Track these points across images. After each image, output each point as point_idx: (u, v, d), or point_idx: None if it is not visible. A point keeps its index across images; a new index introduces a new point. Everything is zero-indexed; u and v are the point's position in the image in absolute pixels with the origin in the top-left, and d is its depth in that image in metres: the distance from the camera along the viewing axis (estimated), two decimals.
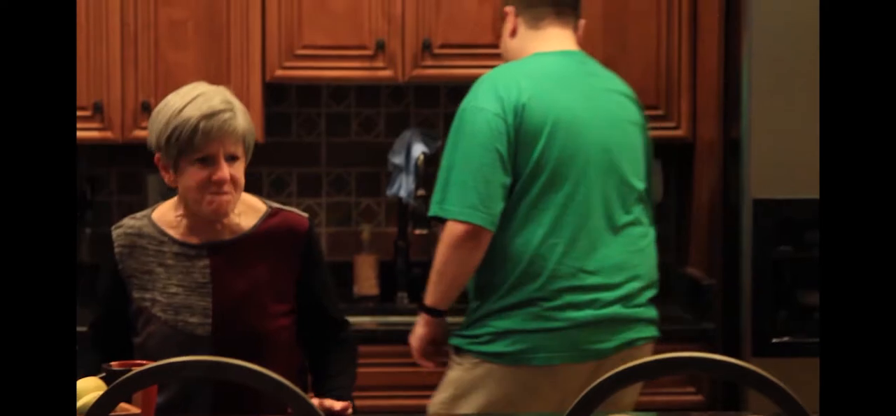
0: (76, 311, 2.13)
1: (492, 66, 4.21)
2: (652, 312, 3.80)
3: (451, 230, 3.62)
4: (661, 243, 5.03)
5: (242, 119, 3.20)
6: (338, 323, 3.42)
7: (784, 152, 4.24)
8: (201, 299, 3.24)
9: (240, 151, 3.20)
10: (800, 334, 4.25)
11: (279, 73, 4.68)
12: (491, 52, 4.62)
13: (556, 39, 3.84)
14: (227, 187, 3.18)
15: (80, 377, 2.84)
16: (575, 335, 3.64)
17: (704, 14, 4.64)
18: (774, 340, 4.29)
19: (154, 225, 3.30)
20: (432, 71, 4.68)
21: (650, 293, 3.80)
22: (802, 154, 4.17)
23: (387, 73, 4.67)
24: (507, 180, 3.63)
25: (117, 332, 3.30)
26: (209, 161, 3.17)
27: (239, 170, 3.21)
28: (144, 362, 2.87)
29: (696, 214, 4.78)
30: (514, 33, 3.88)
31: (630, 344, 3.72)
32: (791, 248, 4.28)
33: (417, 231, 4.93)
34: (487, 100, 3.66)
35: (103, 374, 2.86)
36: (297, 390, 1.61)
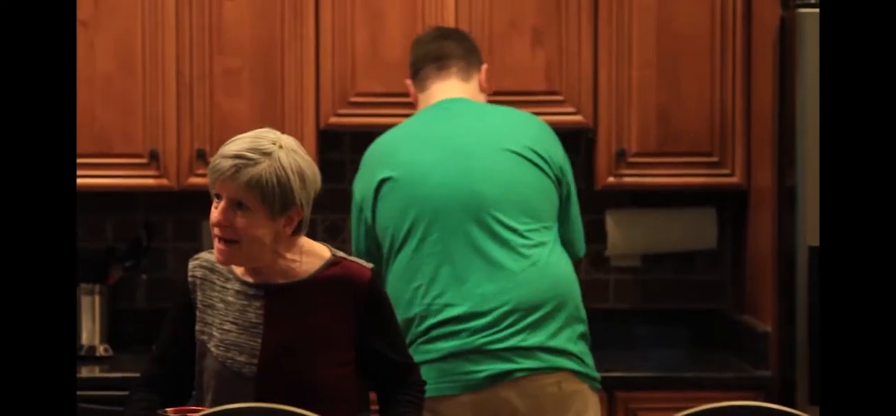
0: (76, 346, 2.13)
1: (544, 113, 4.23)
2: (544, 341, 3.73)
3: None
4: (717, 289, 5.03)
5: (265, 170, 3.14)
6: (404, 367, 3.39)
7: None
8: (251, 339, 3.25)
9: (251, 202, 3.14)
10: None
11: (333, 120, 4.70)
12: (544, 99, 4.63)
13: (437, 94, 3.99)
14: (227, 232, 3.16)
15: None
16: (445, 366, 3.71)
17: (758, 61, 4.62)
18: None
19: None
20: None
21: (535, 323, 3.73)
22: None
23: None
24: (378, 247, 3.88)
25: (180, 365, 3.31)
26: (219, 200, 3.18)
27: (247, 220, 3.15)
28: (199, 408, 2.88)
29: (751, 261, 4.75)
30: (416, 104, 4.06)
31: (506, 376, 3.70)
32: None
33: None
34: (355, 185, 3.98)
35: None
36: None
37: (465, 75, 4.01)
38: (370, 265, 3.33)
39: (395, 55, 4.66)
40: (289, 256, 3.27)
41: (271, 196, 3.15)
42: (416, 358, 3.68)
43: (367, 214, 3.88)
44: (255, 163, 3.13)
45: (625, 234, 4.95)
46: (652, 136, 4.69)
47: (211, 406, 3.18)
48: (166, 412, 2.90)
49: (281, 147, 3.18)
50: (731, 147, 4.68)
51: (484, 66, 4.08)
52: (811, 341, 4.26)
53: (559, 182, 3.90)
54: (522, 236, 3.77)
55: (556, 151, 3.92)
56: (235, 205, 3.15)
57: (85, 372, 4.56)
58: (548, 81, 4.67)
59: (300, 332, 3.25)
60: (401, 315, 3.74)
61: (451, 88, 3.98)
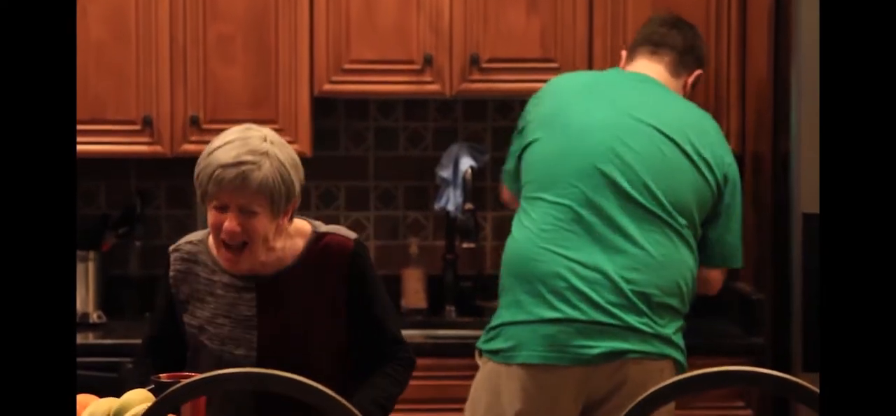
0: (75, 326, 2.13)
1: (539, 80, 4.22)
2: (658, 328, 3.73)
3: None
4: None
5: (268, 171, 3.09)
6: (392, 342, 3.33)
7: None
8: (246, 333, 3.24)
9: (258, 206, 3.11)
10: None
11: (327, 87, 4.69)
12: (538, 66, 4.62)
13: (639, 68, 4.01)
14: (239, 238, 3.12)
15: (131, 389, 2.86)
16: (558, 335, 3.68)
17: (754, 29, 4.62)
18: None
19: (209, 253, 3.28)
20: (480, 85, 4.68)
21: (654, 308, 3.72)
22: None
23: (434, 87, 4.68)
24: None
25: (171, 348, 3.31)
26: (224, 210, 3.12)
27: (259, 224, 3.12)
28: (193, 374, 2.88)
29: (746, 228, 4.75)
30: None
31: (620, 355, 3.68)
32: None
33: (465, 245, 4.93)
34: (528, 106, 4.01)
35: (151, 386, 2.87)
36: (345, 402, 1.61)
37: (675, 71, 4.03)
38: (353, 235, 3.29)
39: (390, 22, 4.65)
40: (277, 243, 3.23)
41: (278, 196, 3.12)
42: (522, 317, 3.70)
43: (529, 114, 3.96)
44: (259, 166, 3.09)
45: None
46: None
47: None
48: (160, 377, 2.90)
49: (271, 142, 3.14)
50: (726, 115, 4.67)
51: (697, 72, 4.08)
52: (805, 308, 4.27)
53: (718, 189, 3.89)
54: (668, 226, 3.77)
55: (724, 159, 3.92)
56: (244, 212, 3.11)
57: (79, 339, 4.56)
58: (542, 48, 4.66)
59: (294, 320, 3.24)
60: (508, 264, 3.78)
61: (653, 71, 4.00)
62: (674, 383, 1.62)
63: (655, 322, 3.72)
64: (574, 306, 3.66)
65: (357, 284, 3.27)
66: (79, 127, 4.53)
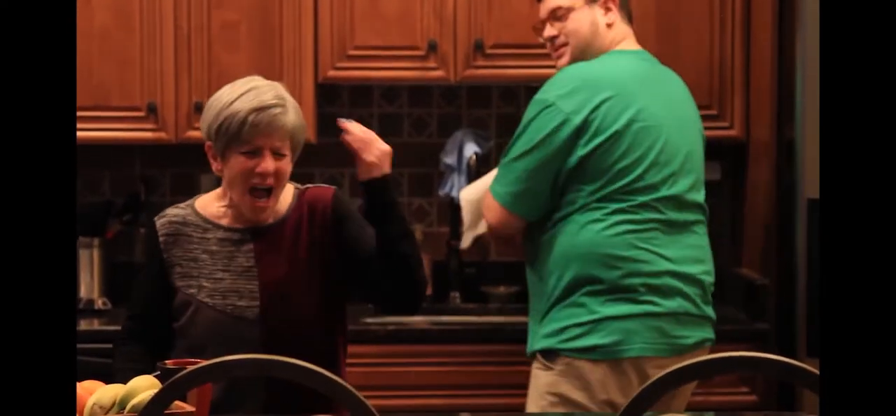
0: (76, 316, 2.12)
1: (544, 67, 4.21)
2: (713, 315, 3.83)
3: (495, 208, 3.80)
4: (715, 242, 5.02)
5: (293, 115, 3.24)
6: None
7: None
8: (248, 283, 3.27)
9: (286, 148, 3.23)
10: None
11: (331, 73, 4.69)
12: (543, 52, 4.60)
13: (631, 43, 3.88)
14: (270, 180, 3.21)
15: (135, 375, 2.86)
16: (663, 326, 3.68)
17: (758, 13, 4.61)
18: None
19: (197, 214, 3.33)
20: (484, 71, 4.68)
21: (711, 297, 3.83)
22: None
23: (439, 73, 4.67)
24: (559, 179, 3.70)
25: (158, 322, 3.33)
26: (255, 154, 3.21)
27: (284, 166, 3.24)
28: (198, 360, 2.88)
29: (750, 213, 4.75)
30: (612, 26, 3.84)
31: (703, 344, 3.77)
32: None
33: None
34: (564, 97, 3.70)
35: (158, 372, 2.87)
36: (354, 390, 1.61)
37: None
38: (332, 187, 3.36)
39: (394, 8, 4.64)
40: None
41: (299, 141, 3.27)
42: (630, 310, 3.66)
43: (584, 117, 3.67)
44: (285, 110, 3.23)
45: None
46: None
47: (210, 359, 3.18)
48: (165, 364, 2.91)
49: (282, 90, 3.27)
50: (730, 100, 4.67)
51: None
52: (810, 294, 4.27)
53: None
54: (706, 215, 3.84)
55: None
56: (276, 154, 3.22)
57: (83, 325, 4.57)
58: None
59: (292, 267, 3.28)
60: (598, 260, 3.65)
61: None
62: (679, 369, 1.62)
63: (713, 310, 3.82)
64: (671, 299, 3.69)
65: (342, 223, 3.31)
66: (83, 114, 4.54)
